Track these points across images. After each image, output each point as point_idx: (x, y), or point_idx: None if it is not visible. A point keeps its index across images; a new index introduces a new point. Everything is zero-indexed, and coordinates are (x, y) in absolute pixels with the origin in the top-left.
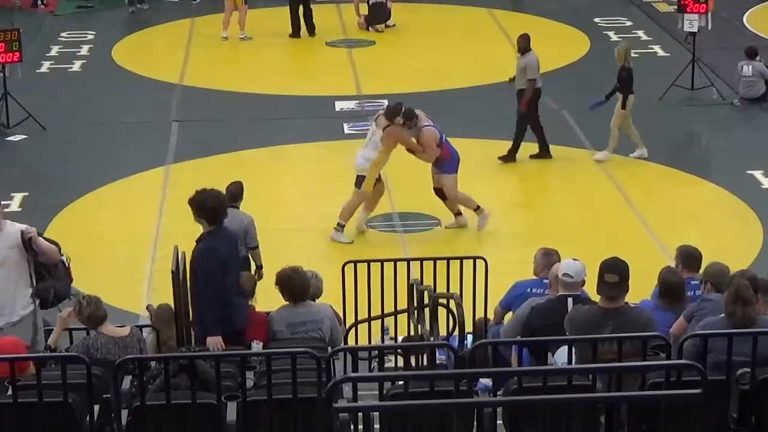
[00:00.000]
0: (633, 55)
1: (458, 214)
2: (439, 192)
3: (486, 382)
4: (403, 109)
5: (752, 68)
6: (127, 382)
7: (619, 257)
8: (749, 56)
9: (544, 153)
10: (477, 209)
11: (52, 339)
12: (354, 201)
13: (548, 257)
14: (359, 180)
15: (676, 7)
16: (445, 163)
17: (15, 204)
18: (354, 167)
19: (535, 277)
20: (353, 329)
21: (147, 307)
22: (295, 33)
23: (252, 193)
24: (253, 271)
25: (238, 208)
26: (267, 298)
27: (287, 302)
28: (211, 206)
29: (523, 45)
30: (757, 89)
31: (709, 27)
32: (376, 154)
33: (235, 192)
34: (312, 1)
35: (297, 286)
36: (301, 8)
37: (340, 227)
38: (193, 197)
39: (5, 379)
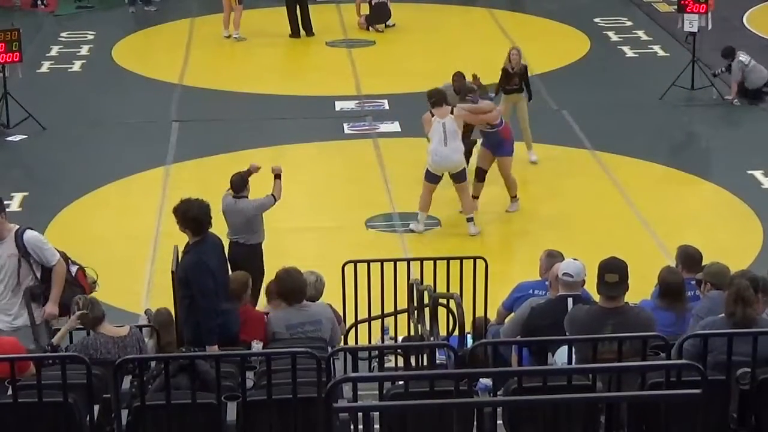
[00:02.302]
0: (633, 54)
1: (515, 197)
2: (482, 173)
3: (486, 382)
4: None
5: (746, 57)
6: (127, 382)
7: (617, 257)
8: (728, 56)
9: None
10: (514, 196)
11: (57, 338)
12: (468, 192)
13: (552, 259)
14: (463, 174)
15: (676, 7)
16: (508, 144)
17: (15, 204)
18: (453, 165)
19: (539, 279)
20: (353, 329)
21: (145, 312)
22: (295, 33)
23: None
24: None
25: (247, 197)
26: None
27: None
28: (193, 216)
29: (460, 84)
30: (765, 74)
31: (709, 27)
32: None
33: (237, 183)
34: (311, 1)
35: (288, 288)
36: (298, 9)
37: (471, 220)
38: (176, 207)
39: (5, 379)
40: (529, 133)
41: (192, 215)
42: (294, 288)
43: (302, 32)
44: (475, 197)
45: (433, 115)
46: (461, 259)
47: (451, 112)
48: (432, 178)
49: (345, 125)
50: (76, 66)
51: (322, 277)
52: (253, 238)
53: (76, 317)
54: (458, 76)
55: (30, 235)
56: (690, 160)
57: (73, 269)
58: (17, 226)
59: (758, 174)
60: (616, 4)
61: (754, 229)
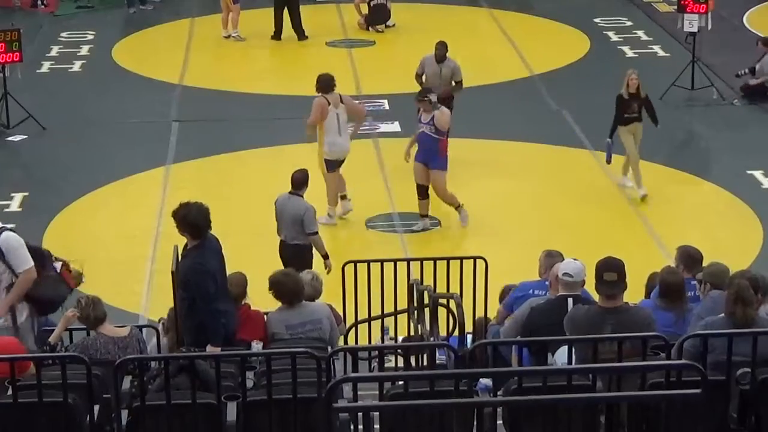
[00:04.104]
0: (633, 54)
1: (459, 207)
2: (423, 189)
3: (486, 382)
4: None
5: None
6: (127, 383)
7: (613, 255)
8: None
9: None
10: (459, 207)
11: (53, 336)
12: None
13: (552, 259)
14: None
15: (676, 7)
16: (442, 158)
17: (15, 204)
18: (346, 152)
19: (539, 279)
20: (353, 329)
21: (159, 320)
22: (277, 35)
23: (252, 194)
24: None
25: (302, 196)
26: (266, 299)
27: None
28: (191, 221)
29: (443, 53)
30: None
31: (709, 27)
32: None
33: (299, 180)
34: (311, 1)
35: (289, 290)
36: (287, 11)
37: (345, 198)
38: (175, 211)
39: (5, 379)
40: (639, 169)
41: (191, 219)
42: (294, 289)
43: (290, 34)
44: (425, 215)
45: (329, 103)
46: (461, 259)
47: (341, 101)
48: (333, 166)
49: None
50: (76, 66)
51: (318, 275)
52: (298, 239)
53: (70, 316)
54: (440, 45)
55: (6, 235)
56: (690, 160)
57: (57, 266)
58: None
59: (758, 174)
60: (616, 4)
61: (754, 229)
